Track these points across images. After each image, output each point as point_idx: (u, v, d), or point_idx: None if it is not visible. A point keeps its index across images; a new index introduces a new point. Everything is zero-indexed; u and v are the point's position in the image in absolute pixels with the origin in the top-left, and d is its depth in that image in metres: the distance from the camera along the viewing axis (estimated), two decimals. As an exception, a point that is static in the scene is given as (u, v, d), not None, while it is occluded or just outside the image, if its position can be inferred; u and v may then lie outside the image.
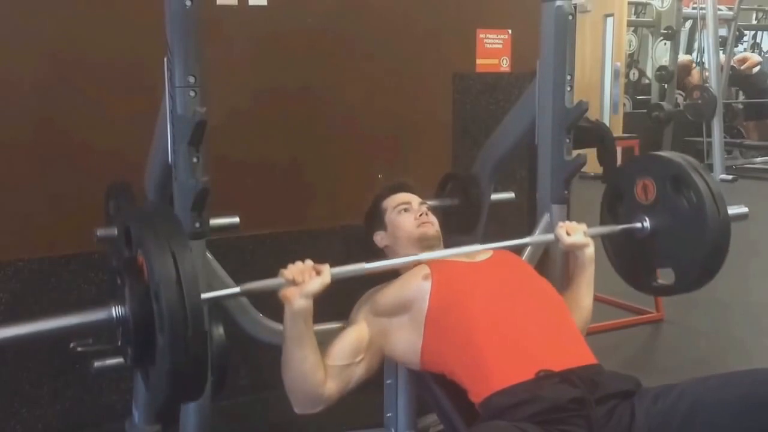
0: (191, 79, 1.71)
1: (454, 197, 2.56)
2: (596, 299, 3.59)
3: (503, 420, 1.47)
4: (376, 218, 2.06)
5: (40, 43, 2.28)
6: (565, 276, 2.13)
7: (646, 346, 3.44)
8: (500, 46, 3.05)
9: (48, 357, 2.39)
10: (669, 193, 2.06)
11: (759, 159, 8.64)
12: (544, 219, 2.26)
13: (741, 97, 9.43)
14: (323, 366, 1.71)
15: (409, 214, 2.00)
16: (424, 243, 1.95)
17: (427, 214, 2.00)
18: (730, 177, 7.62)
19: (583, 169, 2.22)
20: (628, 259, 2.21)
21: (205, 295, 1.47)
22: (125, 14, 2.35)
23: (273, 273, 1.68)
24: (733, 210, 2.05)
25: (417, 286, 1.76)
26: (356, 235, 2.21)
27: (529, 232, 2.35)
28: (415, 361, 1.76)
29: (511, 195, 2.69)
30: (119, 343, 1.49)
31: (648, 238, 2.11)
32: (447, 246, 2.01)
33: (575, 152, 2.24)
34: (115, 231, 2.09)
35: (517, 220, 2.91)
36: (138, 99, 2.21)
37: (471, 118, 3.03)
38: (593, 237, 2.03)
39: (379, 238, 2.03)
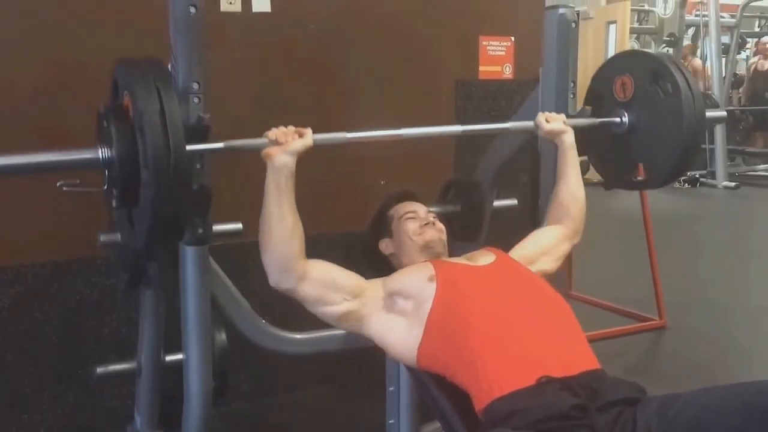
0: (195, 86, 1.72)
1: (457, 203, 2.56)
2: (597, 305, 3.63)
3: (506, 427, 1.46)
4: (381, 226, 2.05)
5: (40, 48, 2.28)
6: (568, 282, 2.13)
7: (649, 353, 3.43)
8: (503, 53, 3.06)
9: (50, 361, 2.39)
10: (647, 87, 2.10)
11: (762, 166, 8.63)
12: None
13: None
14: (303, 241, 1.72)
15: (415, 222, 2.00)
16: (430, 251, 1.94)
17: (434, 223, 2.00)
18: (732, 184, 7.63)
19: (585, 176, 2.22)
20: (608, 155, 2.25)
21: (189, 147, 1.51)
22: (129, 20, 2.36)
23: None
24: (711, 113, 2.09)
25: (422, 285, 1.76)
26: (358, 242, 2.20)
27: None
28: (411, 358, 1.75)
29: (513, 201, 2.69)
30: (105, 187, 1.53)
31: (626, 133, 2.15)
32: (451, 252, 2.01)
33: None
34: (117, 235, 2.10)
35: (520, 227, 2.91)
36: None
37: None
38: (572, 127, 2.06)
39: (385, 246, 2.03)
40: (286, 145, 1.70)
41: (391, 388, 2.14)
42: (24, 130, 2.29)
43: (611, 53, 7.91)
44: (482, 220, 2.54)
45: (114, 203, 1.52)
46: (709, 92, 7.45)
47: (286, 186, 1.70)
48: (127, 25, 2.35)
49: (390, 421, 2.16)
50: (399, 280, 1.83)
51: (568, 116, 2.12)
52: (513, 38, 3.07)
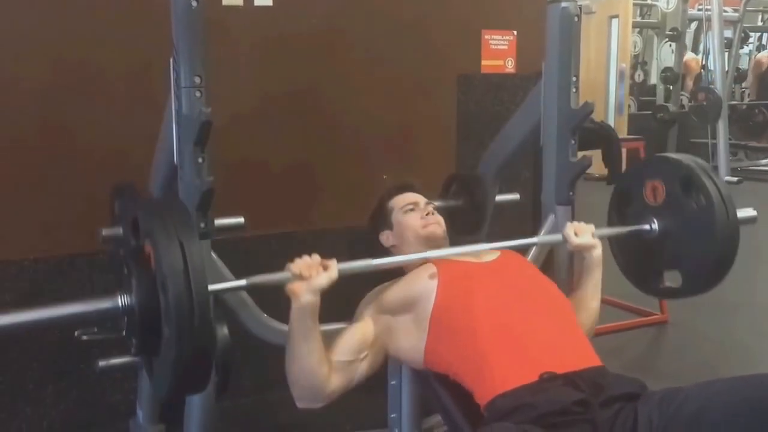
0: (197, 80, 1.72)
1: (459, 198, 2.56)
2: (601, 300, 3.62)
3: (508, 422, 1.46)
4: (382, 218, 2.05)
5: (44, 45, 2.28)
6: (571, 278, 2.13)
7: (651, 348, 3.43)
8: (505, 47, 3.05)
9: (52, 357, 2.40)
10: (678, 195, 2.05)
11: (764, 161, 8.62)
12: (549, 220, 2.26)
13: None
14: (328, 361, 1.70)
15: (415, 213, 2.00)
16: (431, 243, 1.95)
17: (433, 214, 2.00)
18: (735, 179, 7.61)
19: (588, 171, 2.22)
20: (636, 261, 2.20)
21: (212, 287, 1.47)
22: (130, 14, 2.35)
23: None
24: (741, 213, 2.04)
25: (423, 285, 1.76)
26: (361, 236, 2.21)
27: (534, 233, 2.34)
28: (418, 360, 1.76)
29: (515, 196, 2.69)
30: (124, 333, 1.49)
31: (656, 240, 2.10)
32: (453, 246, 2.01)
33: (580, 153, 2.23)
34: (120, 231, 2.10)
35: (522, 222, 2.91)
36: (143, 99, 2.21)
37: (475, 119, 3.03)
38: (601, 238, 2.01)
39: (385, 238, 2.03)
40: (310, 281, 1.62)
41: (393, 382, 2.14)
42: (29, 128, 2.29)
43: (613, 48, 7.91)
44: (484, 214, 2.54)
45: (133, 350, 1.49)
46: (712, 86, 7.42)
47: (312, 322, 1.65)
48: (129, 20, 2.35)
49: (392, 415, 2.16)
50: (397, 293, 1.82)
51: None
52: (515, 32, 3.06)
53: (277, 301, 1.84)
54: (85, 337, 1.54)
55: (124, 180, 2.18)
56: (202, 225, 1.78)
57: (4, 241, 2.30)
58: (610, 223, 2.23)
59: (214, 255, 1.89)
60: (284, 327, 2.07)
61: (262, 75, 2.59)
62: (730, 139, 7.86)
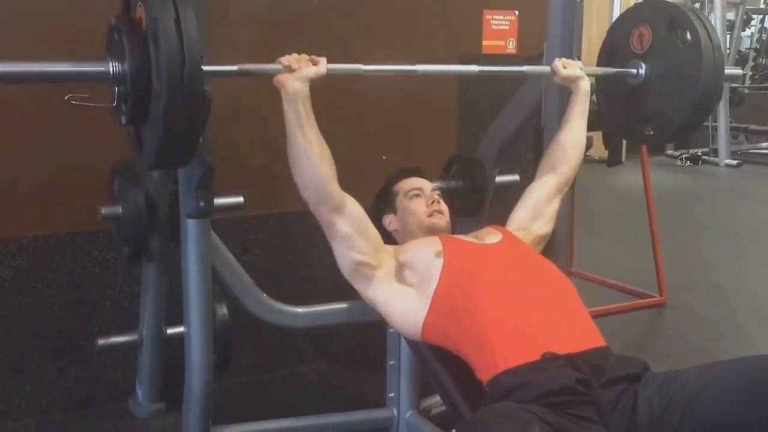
0: (197, 59, 1.70)
1: (459, 179, 2.56)
2: (598, 283, 3.63)
3: (510, 400, 1.47)
4: (386, 201, 2.05)
5: (42, 17, 2.26)
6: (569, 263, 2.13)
7: (649, 330, 3.44)
8: (507, 27, 3.03)
9: (52, 335, 2.40)
10: (665, 37, 2.06)
11: (765, 144, 8.59)
12: (549, 202, 2.25)
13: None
14: (332, 164, 1.73)
15: (420, 200, 1.99)
16: (434, 232, 1.94)
17: (438, 202, 1.99)
18: (735, 162, 7.60)
19: (587, 153, 2.21)
20: (621, 108, 2.22)
21: (205, 67, 1.45)
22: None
23: (277, 253, 1.69)
24: (728, 70, 2.06)
25: (429, 260, 1.76)
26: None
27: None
28: (415, 331, 1.76)
29: (515, 177, 2.68)
30: (115, 102, 1.48)
31: (642, 85, 2.12)
32: (454, 228, 2.01)
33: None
34: (119, 209, 2.10)
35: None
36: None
37: (476, 100, 3.02)
38: (588, 76, 2.05)
39: (388, 222, 2.03)
40: (298, 72, 1.67)
41: (392, 362, 2.16)
42: (28, 107, 2.28)
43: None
44: (484, 196, 2.53)
45: (123, 119, 1.47)
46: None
47: (305, 112, 1.68)
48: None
49: (390, 395, 2.17)
50: (409, 252, 1.83)
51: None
52: (517, 12, 3.04)
53: (276, 282, 1.85)
54: (74, 102, 1.51)
55: (124, 158, 2.17)
56: (202, 204, 1.78)
57: (4, 219, 2.30)
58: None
59: (214, 234, 1.89)
60: (283, 307, 2.08)
61: (261, 55, 2.57)
62: (730, 122, 7.84)
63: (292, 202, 2.68)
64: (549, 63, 2.21)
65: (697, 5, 9.04)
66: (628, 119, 2.21)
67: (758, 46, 9.61)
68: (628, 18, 2.25)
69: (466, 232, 1.96)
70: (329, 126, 2.67)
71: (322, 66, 1.70)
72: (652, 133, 2.17)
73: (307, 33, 2.63)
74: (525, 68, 2.08)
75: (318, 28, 2.64)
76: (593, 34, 7.60)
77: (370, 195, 2.12)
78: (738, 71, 2.13)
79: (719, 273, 4.14)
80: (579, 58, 2.20)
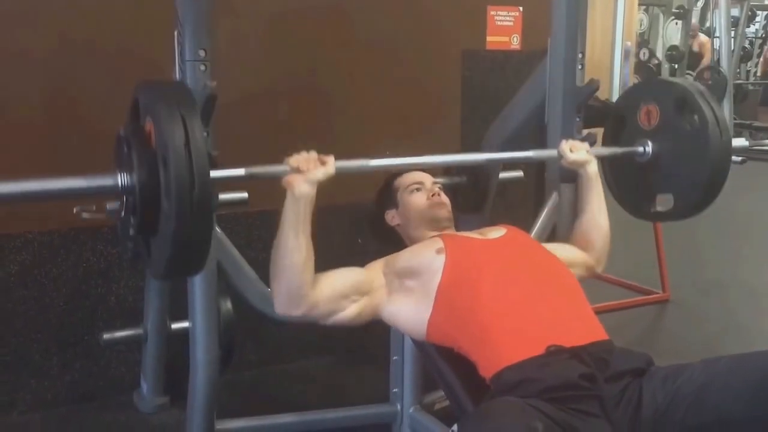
0: (202, 53, 1.71)
1: (462, 175, 2.56)
2: (602, 279, 3.63)
3: (513, 395, 1.47)
4: (388, 196, 2.05)
5: (49, 17, 2.27)
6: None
7: (652, 326, 3.44)
8: (511, 23, 3.03)
9: (57, 329, 2.41)
10: (672, 117, 2.05)
11: (769, 141, 8.58)
12: (553, 198, 2.26)
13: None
14: (313, 270, 1.67)
15: (421, 193, 1.99)
16: (436, 224, 1.94)
17: (439, 194, 1.99)
18: (739, 159, 7.57)
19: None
20: (628, 185, 2.22)
21: (212, 173, 1.45)
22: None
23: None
24: (734, 141, 2.05)
25: (430, 259, 1.76)
26: (364, 212, 2.21)
27: (537, 210, 2.35)
28: (421, 332, 1.76)
29: (519, 173, 2.68)
30: (123, 213, 1.48)
31: (649, 163, 2.11)
32: (457, 224, 2.01)
33: (585, 131, 2.23)
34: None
35: (525, 199, 2.91)
36: (147, 72, 2.19)
37: (480, 95, 3.02)
38: (595, 157, 2.03)
39: (391, 217, 2.03)
40: (307, 174, 1.62)
41: (395, 357, 2.16)
42: (34, 102, 2.30)
43: (619, 25, 7.84)
44: (488, 191, 2.54)
45: (131, 230, 1.48)
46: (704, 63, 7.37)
47: (305, 216, 1.64)
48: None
49: (394, 390, 2.18)
50: (405, 259, 1.81)
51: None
52: (521, 8, 3.04)
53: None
54: (84, 215, 1.51)
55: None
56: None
57: (9, 214, 2.31)
58: None
59: (218, 229, 1.90)
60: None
61: (265, 50, 2.58)
62: (734, 119, 7.82)
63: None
64: (553, 60, 2.21)
65: (701, 2, 9.04)
66: (638, 196, 2.21)
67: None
68: (637, 92, 2.25)
69: (470, 228, 1.96)
70: (332, 122, 2.71)
71: (331, 166, 1.65)
72: (662, 210, 2.17)
73: (311, 28, 2.63)
74: (531, 153, 2.08)
75: (321, 23, 2.65)
76: (597, 31, 7.60)
77: (374, 191, 2.13)
78: (744, 142, 2.18)
79: (722, 270, 4.14)
80: (583, 55, 2.20)
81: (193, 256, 1.46)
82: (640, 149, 2.11)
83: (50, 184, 1.46)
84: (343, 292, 1.71)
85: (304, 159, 1.64)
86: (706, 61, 8.62)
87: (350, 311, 1.73)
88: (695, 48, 8.54)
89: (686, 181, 2.05)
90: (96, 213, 1.51)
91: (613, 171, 2.24)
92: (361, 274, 1.77)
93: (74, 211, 1.52)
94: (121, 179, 1.43)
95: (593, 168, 2.00)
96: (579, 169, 2.01)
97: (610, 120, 2.23)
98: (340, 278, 1.73)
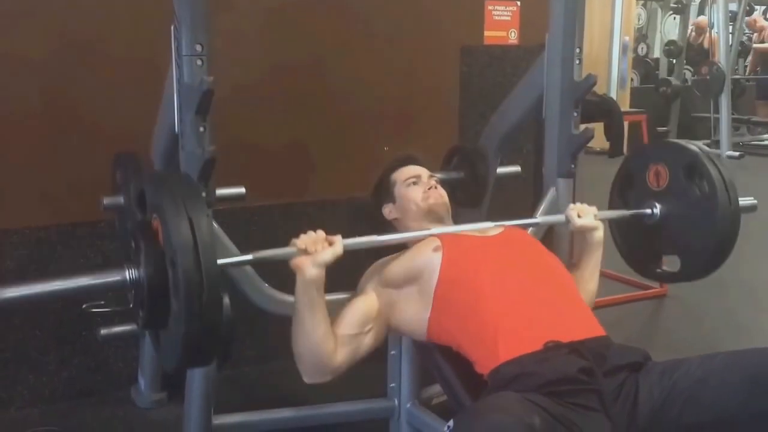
0: (198, 48, 1.70)
1: (460, 170, 2.56)
2: (600, 274, 3.62)
3: (511, 389, 1.47)
4: (384, 191, 2.05)
5: (46, 15, 2.27)
6: (570, 255, 2.13)
7: (650, 321, 3.45)
8: (509, 18, 3.03)
9: (55, 324, 2.41)
10: (681, 180, 2.05)
11: (767, 136, 8.58)
12: (550, 193, 2.26)
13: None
14: (333, 335, 1.71)
15: (418, 187, 2.00)
16: (433, 216, 1.95)
17: (436, 187, 1.99)
18: (737, 154, 7.58)
19: (589, 144, 2.21)
20: (635, 244, 2.21)
21: (220, 261, 1.45)
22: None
23: (279, 243, 1.68)
24: (743, 202, 2.05)
25: (427, 258, 1.76)
26: (362, 207, 2.21)
27: (535, 206, 2.35)
28: (422, 332, 1.77)
29: (517, 169, 2.69)
30: (131, 306, 1.49)
31: (657, 224, 2.10)
32: (455, 219, 2.01)
33: (582, 126, 2.23)
34: (121, 199, 2.11)
35: (523, 194, 2.91)
36: (144, 68, 2.20)
37: (478, 90, 3.02)
38: (602, 221, 2.01)
39: (388, 211, 2.03)
40: (315, 256, 1.61)
41: (393, 352, 2.16)
42: (32, 98, 2.30)
43: (617, 20, 7.83)
44: (486, 187, 2.54)
45: (139, 323, 1.48)
46: (715, 60, 7.36)
47: (318, 296, 1.65)
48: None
49: (391, 385, 2.18)
50: (400, 270, 1.82)
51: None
52: (518, 3, 3.04)
53: (277, 272, 1.85)
54: (94, 310, 1.52)
55: (125, 149, 2.17)
56: (204, 194, 1.78)
57: (7, 210, 2.31)
58: (612, 205, 2.23)
59: (215, 225, 1.89)
60: (286, 297, 2.08)
61: (263, 44, 2.57)
62: (732, 114, 7.82)
63: (293, 192, 2.70)
64: (551, 55, 2.21)
65: (699, -3, 9.02)
66: (644, 256, 2.21)
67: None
68: (648, 152, 2.25)
69: (463, 221, 1.97)
70: (331, 117, 2.71)
71: (338, 246, 1.64)
72: (668, 271, 2.17)
73: (310, 22, 2.62)
74: (539, 219, 2.09)
75: (318, 18, 2.64)
76: (595, 26, 7.59)
77: (371, 186, 2.13)
78: (752, 202, 2.14)
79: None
80: (581, 50, 2.20)
81: (203, 353, 1.46)
82: (648, 211, 2.10)
83: (56, 285, 1.45)
84: (357, 335, 1.75)
85: (311, 240, 1.63)
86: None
87: (368, 342, 1.77)
88: (706, 45, 8.51)
89: (694, 245, 2.04)
90: (103, 307, 1.52)
91: (620, 229, 2.23)
92: (363, 306, 1.79)
93: (83, 307, 1.51)
94: (129, 274, 1.43)
95: (599, 235, 1.98)
96: (585, 234, 1.98)
97: (619, 176, 2.22)
98: (350, 325, 1.75)
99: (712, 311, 3.45)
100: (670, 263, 2.17)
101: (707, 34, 8.61)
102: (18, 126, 2.28)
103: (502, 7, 3.01)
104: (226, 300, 2.08)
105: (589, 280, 1.99)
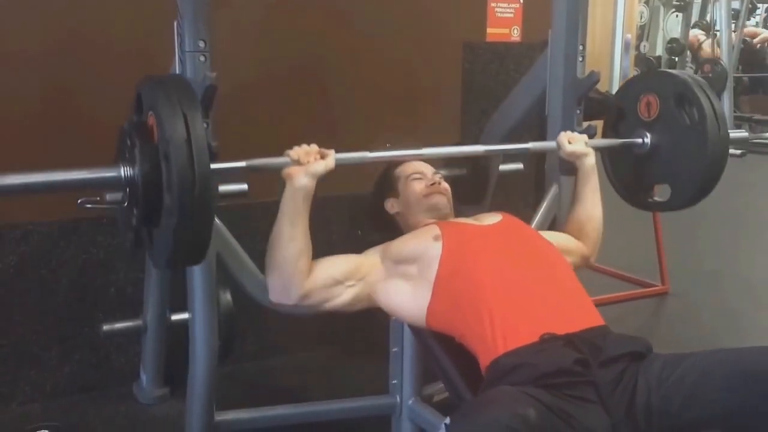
0: (201, 44, 1.71)
1: (463, 167, 2.56)
2: (602, 272, 3.64)
3: (506, 382, 1.47)
4: (388, 185, 2.06)
5: (47, 9, 2.26)
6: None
7: (651, 319, 3.45)
8: (511, 15, 3.02)
9: (56, 320, 2.41)
10: (672, 109, 2.07)
11: (767, 134, 8.57)
12: (552, 190, 2.26)
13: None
14: (310, 260, 1.71)
15: (421, 182, 2.01)
16: (435, 212, 1.95)
17: (439, 183, 2.00)
18: (738, 152, 7.57)
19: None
20: (627, 174, 2.24)
21: (213, 166, 1.48)
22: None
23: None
24: (734, 133, 2.07)
25: (428, 246, 1.77)
26: (363, 203, 2.21)
27: (537, 203, 2.35)
28: (420, 318, 1.77)
29: (519, 165, 2.68)
30: (125, 204, 1.51)
31: (647, 154, 2.13)
32: (457, 215, 2.02)
33: (585, 123, 2.23)
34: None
35: (525, 191, 2.91)
36: (147, 64, 2.19)
37: (480, 87, 3.02)
38: (594, 149, 2.05)
39: (390, 205, 2.04)
40: (308, 167, 1.66)
41: (395, 349, 2.16)
42: (33, 93, 2.29)
43: (620, 18, 7.81)
44: (488, 183, 2.54)
45: (134, 221, 1.50)
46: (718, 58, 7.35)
47: (303, 207, 1.68)
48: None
49: (393, 382, 2.18)
50: (403, 246, 1.83)
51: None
52: (521, 0, 3.03)
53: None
54: (88, 206, 1.53)
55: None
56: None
57: (8, 205, 2.30)
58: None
59: (218, 221, 1.90)
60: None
61: (265, 41, 2.57)
62: (735, 112, 7.81)
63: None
64: (554, 52, 2.21)
65: (702, -6, 9.01)
66: (636, 186, 2.23)
67: None
68: (638, 83, 2.26)
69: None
70: (332, 113, 2.70)
71: (331, 160, 1.69)
72: (658, 201, 2.20)
73: (310, 17, 2.62)
74: (530, 145, 2.08)
75: (321, 14, 2.64)
76: (597, 23, 7.58)
77: (372, 182, 2.13)
78: (744, 134, 2.25)
79: (721, 262, 4.14)
80: (584, 47, 2.20)
81: (194, 249, 1.50)
82: (639, 141, 2.13)
83: (54, 176, 1.48)
84: (338, 278, 1.75)
85: (304, 152, 1.67)
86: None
87: (345, 297, 1.77)
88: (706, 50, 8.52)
89: (683, 173, 2.07)
90: (99, 204, 1.53)
91: (612, 161, 2.26)
92: (357, 260, 1.81)
93: (78, 202, 1.53)
94: (124, 172, 1.46)
95: (591, 161, 2.02)
96: (576, 161, 2.02)
97: (610, 110, 2.24)
98: (336, 264, 1.77)
99: (714, 308, 3.45)
100: (661, 194, 2.20)
101: (703, 43, 8.62)
102: (19, 122, 2.28)
103: (505, 4, 3.01)
104: (228, 295, 2.10)
105: (593, 207, 2.03)
